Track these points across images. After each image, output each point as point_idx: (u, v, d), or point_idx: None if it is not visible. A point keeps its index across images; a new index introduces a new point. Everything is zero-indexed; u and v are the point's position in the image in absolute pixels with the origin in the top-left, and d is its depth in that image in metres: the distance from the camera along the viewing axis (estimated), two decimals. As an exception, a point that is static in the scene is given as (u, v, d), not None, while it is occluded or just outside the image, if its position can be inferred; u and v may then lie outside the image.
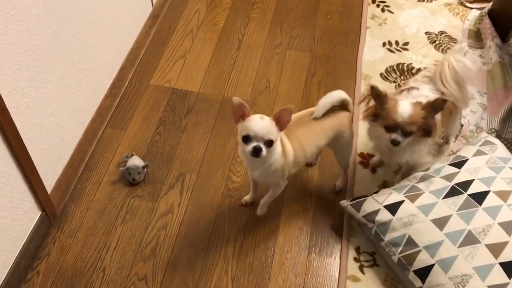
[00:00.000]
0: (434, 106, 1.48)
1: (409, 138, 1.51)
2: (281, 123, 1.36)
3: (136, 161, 1.75)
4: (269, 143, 1.34)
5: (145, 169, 1.76)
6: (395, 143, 1.51)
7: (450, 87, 1.59)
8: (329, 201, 1.75)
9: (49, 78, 1.53)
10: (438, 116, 1.55)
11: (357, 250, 1.63)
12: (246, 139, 1.34)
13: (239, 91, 2.06)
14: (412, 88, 1.65)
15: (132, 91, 2.06)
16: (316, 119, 1.51)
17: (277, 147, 1.41)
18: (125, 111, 1.99)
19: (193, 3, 2.48)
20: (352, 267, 1.58)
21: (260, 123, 1.34)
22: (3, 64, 1.31)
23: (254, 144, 1.33)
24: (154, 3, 2.37)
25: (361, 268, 1.58)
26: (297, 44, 2.30)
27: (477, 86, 2.11)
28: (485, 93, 2.10)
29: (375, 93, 1.51)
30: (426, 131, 1.52)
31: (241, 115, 1.35)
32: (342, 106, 1.57)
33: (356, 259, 1.60)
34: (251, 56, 2.23)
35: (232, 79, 2.12)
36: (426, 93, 1.60)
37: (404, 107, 1.49)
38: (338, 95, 1.53)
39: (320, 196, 1.76)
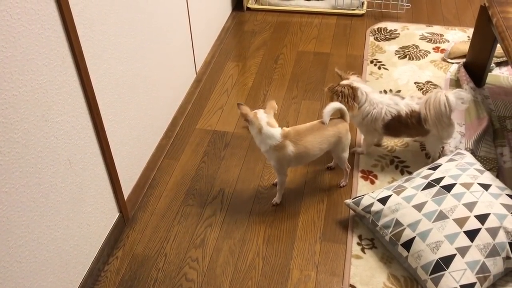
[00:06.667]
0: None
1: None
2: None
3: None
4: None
5: None
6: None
7: (429, 113, 2.13)
8: (337, 204, 2.23)
9: (127, 116, 2.15)
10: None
11: (360, 237, 2.08)
12: None
13: (265, 130, 2.63)
14: (398, 96, 2.30)
15: (182, 133, 2.66)
16: (324, 126, 2.06)
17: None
18: (177, 147, 2.58)
19: (227, 70, 3.15)
20: (356, 249, 2.03)
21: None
22: (109, 99, 1.93)
23: None
24: (197, 71, 3.06)
25: (362, 250, 2.03)
26: (310, 96, 2.89)
27: (457, 119, 2.63)
28: (463, 124, 2.60)
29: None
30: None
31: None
32: (341, 116, 2.12)
33: (358, 243, 2.05)
34: (274, 106, 2.83)
35: (259, 122, 2.70)
36: (401, 102, 2.25)
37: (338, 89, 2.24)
38: (336, 105, 2.07)
39: (330, 200, 2.25)
